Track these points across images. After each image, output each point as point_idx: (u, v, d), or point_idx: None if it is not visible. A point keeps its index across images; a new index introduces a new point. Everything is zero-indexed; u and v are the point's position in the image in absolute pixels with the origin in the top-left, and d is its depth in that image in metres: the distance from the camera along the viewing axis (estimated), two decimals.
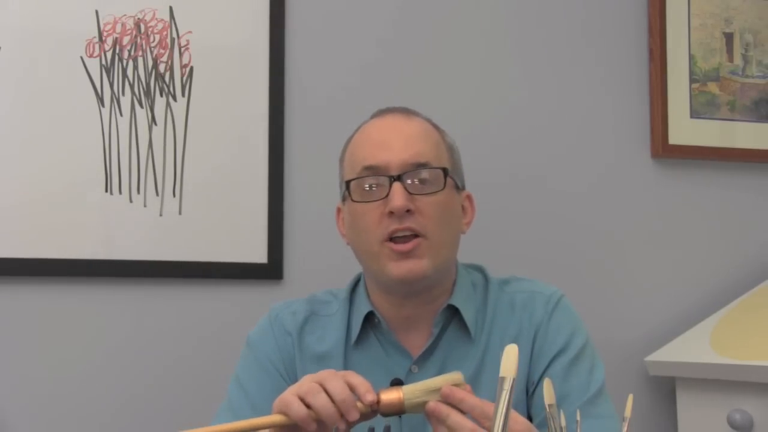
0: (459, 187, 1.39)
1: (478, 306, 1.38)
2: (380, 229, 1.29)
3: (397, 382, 1.30)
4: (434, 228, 1.30)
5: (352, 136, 1.41)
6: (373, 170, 1.31)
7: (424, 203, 1.30)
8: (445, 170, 1.33)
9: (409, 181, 1.29)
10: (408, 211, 1.28)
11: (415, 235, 1.29)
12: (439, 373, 1.33)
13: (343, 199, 1.38)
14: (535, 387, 1.33)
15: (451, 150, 1.39)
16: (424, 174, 1.31)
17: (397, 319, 1.37)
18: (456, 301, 1.36)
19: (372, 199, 1.30)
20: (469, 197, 1.42)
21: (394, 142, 1.32)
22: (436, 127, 1.40)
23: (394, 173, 1.29)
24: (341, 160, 1.41)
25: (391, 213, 1.28)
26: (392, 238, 1.29)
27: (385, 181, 1.30)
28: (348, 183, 1.33)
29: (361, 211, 1.31)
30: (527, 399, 1.34)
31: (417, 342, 1.36)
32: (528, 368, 1.34)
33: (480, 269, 1.45)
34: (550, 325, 1.36)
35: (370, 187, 1.31)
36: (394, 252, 1.29)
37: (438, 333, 1.35)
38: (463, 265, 1.43)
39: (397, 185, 1.28)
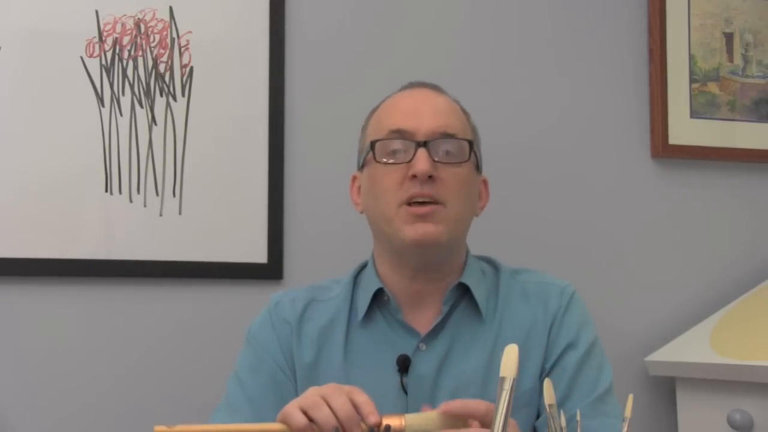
0: (479, 169, 1.40)
1: (489, 289, 1.39)
2: (400, 191, 1.30)
3: (404, 359, 1.30)
4: (454, 198, 1.31)
5: (378, 106, 1.42)
6: (400, 134, 1.32)
7: (447, 173, 1.30)
8: (470, 142, 1.34)
9: (434, 149, 1.30)
10: (430, 177, 1.29)
11: (434, 203, 1.30)
12: (448, 350, 1.33)
13: (362, 167, 1.38)
14: (547, 375, 1.33)
15: (475, 132, 1.41)
16: (450, 144, 1.32)
17: (407, 295, 1.36)
18: (467, 280, 1.36)
19: (396, 161, 1.31)
20: (485, 182, 1.44)
21: (424, 112, 1.33)
22: (462, 108, 1.42)
23: (421, 139, 1.30)
24: (364, 128, 1.41)
25: (414, 177, 1.29)
26: (410, 203, 1.29)
27: (411, 146, 1.30)
28: (373, 144, 1.33)
29: (383, 172, 1.32)
30: (541, 387, 1.34)
31: (425, 320, 1.36)
32: (543, 357, 1.34)
33: (489, 260, 1.46)
34: (566, 316, 1.37)
35: (395, 151, 1.32)
36: (411, 214, 1.29)
37: (447, 311, 1.35)
38: (472, 255, 1.43)
39: (422, 151, 1.29)
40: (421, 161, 1.28)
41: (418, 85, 1.41)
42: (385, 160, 1.32)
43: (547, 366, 1.34)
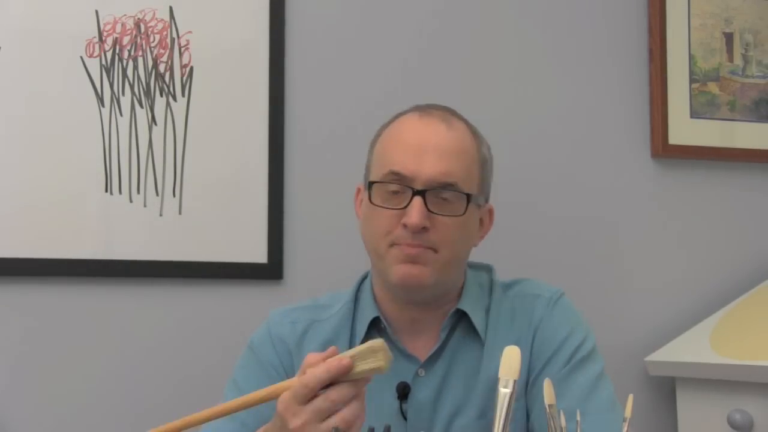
0: (481, 205, 1.36)
1: (486, 308, 1.37)
2: (392, 235, 1.28)
3: (403, 386, 1.30)
4: (446, 246, 1.28)
5: (389, 123, 1.37)
6: (398, 177, 1.28)
7: (441, 222, 1.27)
8: (469, 197, 1.30)
9: (431, 198, 1.27)
10: (424, 228, 1.26)
11: (425, 247, 1.28)
12: (446, 374, 1.33)
13: (365, 187, 1.36)
14: (532, 385, 1.33)
15: (483, 164, 1.36)
16: (448, 194, 1.28)
17: (404, 322, 1.36)
18: (464, 306, 1.35)
19: (391, 206, 1.28)
20: (490, 211, 1.40)
21: (428, 154, 1.28)
22: (474, 134, 1.36)
23: (419, 187, 1.27)
24: (373, 144, 1.38)
25: (406, 226, 1.27)
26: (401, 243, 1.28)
27: (407, 190, 1.27)
28: (371, 183, 1.32)
29: (378, 214, 1.30)
30: (526, 396, 1.34)
31: (423, 346, 1.35)
32: (528, 367, 1.33)
33: (487, 269, 1.44)
34: (549, 323, 1.35)
35: (392, 192, 1.29)
36: (401, 253, 1.27)
37: (445, 337, 1.34)
38: (472, 264, 1.42)
39: (417, 200, 1.26)
40: (415, 213, 1.25)
41: (428, 114, 1.34)
42: (380, 203, 1.29)
43: (532, 376, 1.32)
